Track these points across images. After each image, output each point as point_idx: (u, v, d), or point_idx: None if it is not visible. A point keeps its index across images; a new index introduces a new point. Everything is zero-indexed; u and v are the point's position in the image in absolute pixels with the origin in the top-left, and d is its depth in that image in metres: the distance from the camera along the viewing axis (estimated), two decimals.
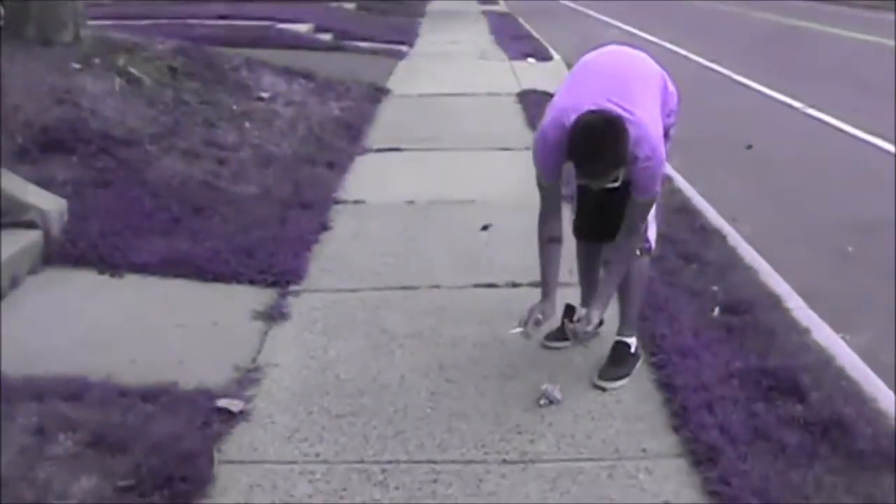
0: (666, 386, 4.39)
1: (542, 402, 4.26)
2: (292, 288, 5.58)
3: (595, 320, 4.36)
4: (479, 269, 5.92)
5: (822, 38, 22.90)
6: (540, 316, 4.31)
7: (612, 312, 4.70)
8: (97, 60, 9.21)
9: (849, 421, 4.00)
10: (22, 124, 7.19)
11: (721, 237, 6.65)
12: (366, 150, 9.27)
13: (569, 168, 4.18)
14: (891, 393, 4.52)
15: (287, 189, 7.36)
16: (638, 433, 4.05)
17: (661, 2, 35.29)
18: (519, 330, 4.33)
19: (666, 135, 4.33)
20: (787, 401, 4.18)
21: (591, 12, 32.58)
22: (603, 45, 4.65)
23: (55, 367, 4.32)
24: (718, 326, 5.02)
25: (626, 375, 4.50)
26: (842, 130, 11.50)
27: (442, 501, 3.56)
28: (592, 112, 3.93)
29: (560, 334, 4.74)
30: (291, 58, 13.33)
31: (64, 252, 5.75)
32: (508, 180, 7.82)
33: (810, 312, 5.47)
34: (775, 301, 5.51)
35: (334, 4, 25.89)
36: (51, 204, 5.93)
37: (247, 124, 9.18)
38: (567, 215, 4.63)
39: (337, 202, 7.36)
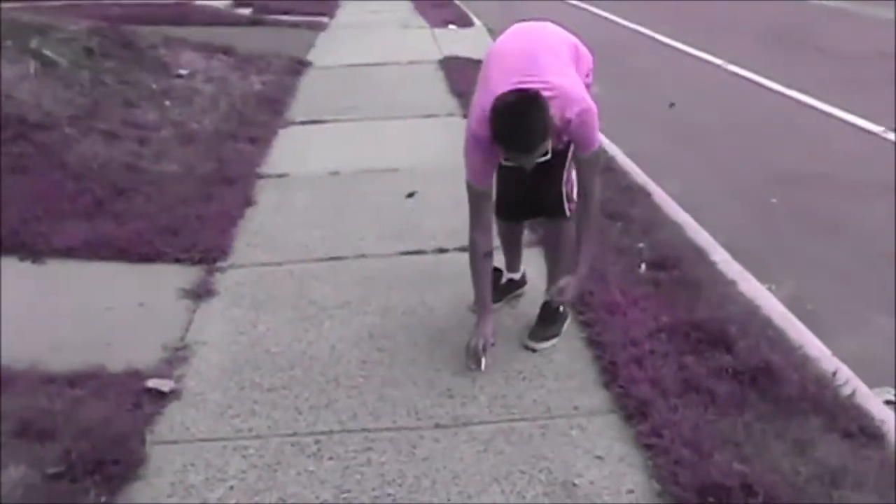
0: (595, 343, 4.43)
1: (472, 366, 4.28)
2: (218, 264, 5.53)
3: (566, 286, 4.36)
4: (405, 237, 5.91)
5: None
6: (488, 340, 4.31)
7: (540, 272, 4.72)
8: (9, 43, 9.02)
9: (776, 368, 4.06)
10: None
11: (646, 195, 6.70)
12: (288, 124, 9.20)
13: None
14: (816, 339, 4.60)
15: (210, 166, 7.28)
16: (569, 391, 4.08)
17: None
18: (477, 367, 4.28)
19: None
20: (715, 352, 4.23)
21: None
22: (515, 22, 4.60)
23: None
24: (646, 282, 5.06)
25: (556, 335, 4.52)
26: (762, 85, 11.61)
27: (377, 469, 3.56)
28: (507, 92, 3.91)
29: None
30: (210, 34, 13.17)
31: None
32: (432, 147, 7.82)
33: (736, 265, 5.54)
34: (701, 255, 5.58)
35: None
36: None
37: (167, 103, 9.08)
38: None
39: (260, 177, 7.30)
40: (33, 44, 9.23)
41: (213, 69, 10.90)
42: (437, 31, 16.06)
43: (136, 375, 4.18)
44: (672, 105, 10.39)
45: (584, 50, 4.43)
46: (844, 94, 10.56)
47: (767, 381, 3.99)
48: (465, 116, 4.38)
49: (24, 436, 3.66)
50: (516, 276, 4.99)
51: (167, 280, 5.30)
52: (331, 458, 3.63)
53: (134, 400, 3.98)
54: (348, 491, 3.45)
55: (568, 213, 4.47)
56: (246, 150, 7.97)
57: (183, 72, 10.41)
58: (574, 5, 20.87)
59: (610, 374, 4.14)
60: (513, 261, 4.96)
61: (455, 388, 4.12)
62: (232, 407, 4.01)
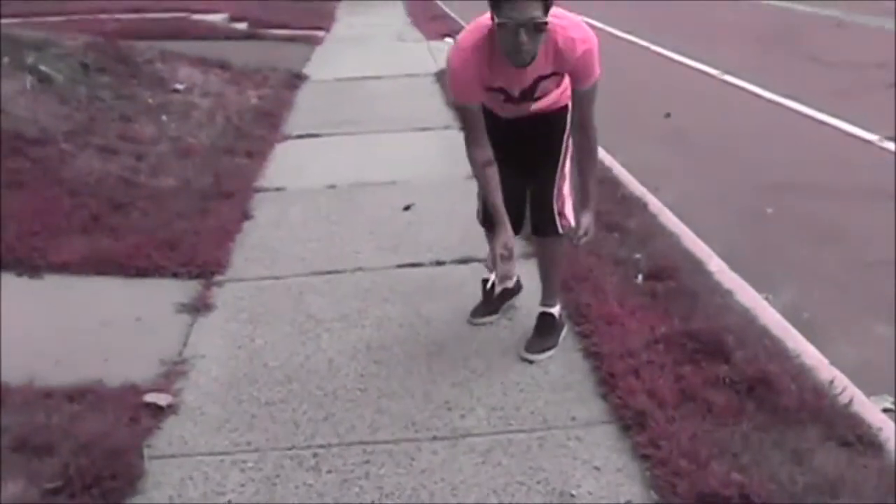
0: (593, 354, 4.43)
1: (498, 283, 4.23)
2: (216, 279, 5.53)
3: (586, 224, 4.31)
4: (402, 250, 5.92)
5: (729, 4, 23.08)
6: (504, 251, 4.17)
7: (536, 282, 4.73)
8: (6, 59, 9.03)
9: (773, 378, 4.07)
10: None
11: (642, 205, 6.72)
12: (285, 138, 9.21)
13: None
14: (813, 348, 4.60)
15: (207, 180, 7.29)
16: (567, 402, 4.08)
17: None
18: (494, 278, 4.24)
19: None
20: (712, 362, 4.23)
21: None
22: None
23: None
24: (643, 293, 5.07)
25: (553, 346, 4.52)
26: (758, 95, 11.63)
27: (375, 482, 3.56)
28: None
29: (484, 309, 4.78)
30: (207, 48, 13.20)
31: None
32: (429, 160, 7.84)
33: (732, 274, 5.55)
34: (697, 265, 5.58)
35: None
36: None
37: (164, 117, 9.08)
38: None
39: (258, 191, 7.31)
40: (30, 59, 9.23)
41: (209, 83, 10.91)
42: (433, 44, 16.08)
43: (134, 390, 4.18)
44: (668, 115, 10.41)
45: None
46: (839, 103, 10.58)
47: (765, 390, 3.99)
48: (461, 129, 4.36)
49: (22, 450, 3.65)
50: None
51: (164, 294, 5.30)
52: (329, 472, 3.63)
53: (132, 414, 3.97)
54: None
55: (561, 230, 4.46)
56: (243, 164, 7.99)
57: (180, 86, 10.42)
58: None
59: (607, 385, 4.14)
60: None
61: (452, 400, 4.12)
62: (230, 421, 4.01)
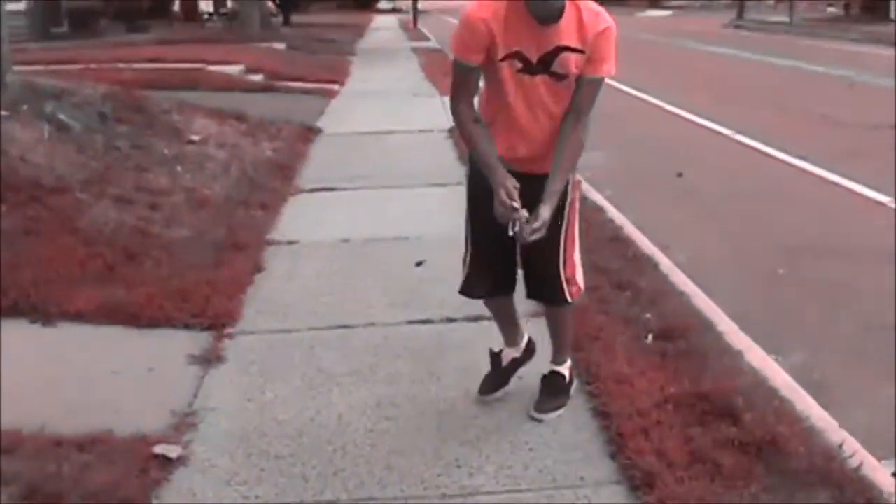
0: (602, 414, 4.43)
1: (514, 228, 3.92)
2: (228, 331, 5.54)
3: (545, 216, 3.95)
4: (414, 306, 5.94)
5: (743, 64, 23.23)
6: (514, 203, 3.90)
7: (545, 345, 4.72)
8: (25, 107, 9.12)
9: (783, 440, 4.06)
10: None
11: (653, 265, 6.73)
12: (299, 191, 9.27)
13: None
14: (823, 411, 4.59)
15: (220, 232, 7.34)
16: (575, 462, 4.08)
17: None
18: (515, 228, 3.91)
19: None
20: (721, 423, 4.23)
21: None
22: None
23: None
24: (652, 353, 5.07)
25: (562, 406, 4.52)
26: (770, 156, 11.68)
27: None
28: None
29: (493, 384, 4.68)
30: (223, 99, 13.34)
31: None
32: (441, 216, 7.86)
33: (742, 335, 5.54)
34: (708, 325, 5.59)
35: (265, 45, 25.89)
36: None
37: (179, 168, 9.15)
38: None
39: (270, 243, 7.35)
40: (48, 108, 9.33)
41: (224, 135, 10.99)
42: (447, 99, 16.11)
43: (144, 441, 4.18)
44: (680, 175, 10.44)
45: None
46: (852, 163, 10.63)
47: (774, 452, 3.99)
48: (451, 86, 4.29)
49: (32, 499, 3.67)
50: (517, 353, 4.75)
51: (176, 346, 5.32)
52: None
53: (141, 465, 3.98)
54: None
55: (570, 298, 4.36)
56: (256, 216, 8.04)
57: (195, 137, 10.50)
58: None
59: (616, 445, 4.14)
60: (511, 335, 4.75)
61: (462, 458, 4.12)
62: (239, 474, 4.01)
